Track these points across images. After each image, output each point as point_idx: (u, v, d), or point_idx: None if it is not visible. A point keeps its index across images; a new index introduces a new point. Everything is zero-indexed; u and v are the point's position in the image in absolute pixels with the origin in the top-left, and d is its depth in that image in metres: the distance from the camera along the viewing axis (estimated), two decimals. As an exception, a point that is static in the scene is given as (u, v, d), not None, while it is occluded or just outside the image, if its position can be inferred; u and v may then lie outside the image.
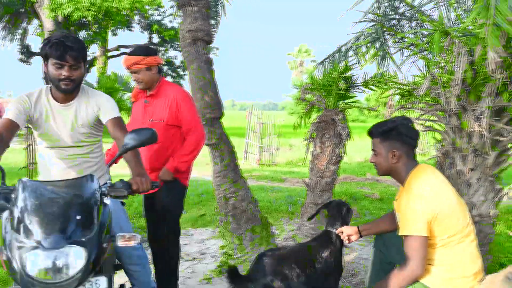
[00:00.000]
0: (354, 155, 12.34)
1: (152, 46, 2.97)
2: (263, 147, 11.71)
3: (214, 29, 4.99)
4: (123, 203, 2.54)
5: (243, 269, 3.69)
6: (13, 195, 1.74)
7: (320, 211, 2.81)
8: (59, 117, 2.30)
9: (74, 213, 1.66)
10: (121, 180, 1.92)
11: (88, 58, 26.07)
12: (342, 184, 7.94)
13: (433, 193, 2.02)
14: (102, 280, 1.73)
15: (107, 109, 2.30)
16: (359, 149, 13.73)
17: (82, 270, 1.59)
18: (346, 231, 2.55)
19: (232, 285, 2.33)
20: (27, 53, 24.51)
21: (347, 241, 2.56)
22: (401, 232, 2.04)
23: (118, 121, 2.29)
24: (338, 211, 2.65)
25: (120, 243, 1.82)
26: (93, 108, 2.31)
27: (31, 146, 9.23)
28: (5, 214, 1.74)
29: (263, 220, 3.91)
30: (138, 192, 1.94)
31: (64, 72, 2.13)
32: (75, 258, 1.58)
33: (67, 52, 2.09)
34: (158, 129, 2.65)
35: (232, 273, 2.32)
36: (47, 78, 2.23)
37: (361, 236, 2.59)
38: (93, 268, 1.65)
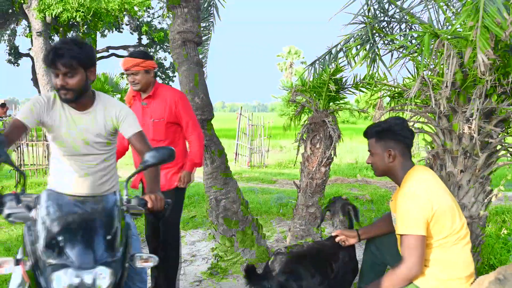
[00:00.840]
0: (344, 156, 12.39)
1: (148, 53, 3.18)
2: (253, 148, 11.70)
3: (207, 31, 4.97)
4: None
5: (233, 272, 3.67)
6: (38, 205, 1.72)
7: (325, 214, 2.81)
8: (73, 124, 2.19)
9: (103, 233, 1.66)
10: (137, 197, 1.90)
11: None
12: (333, 186, 7.96)
13: (430, 192, 2.03)
14: None
15: (129, 123, 2.22)
16: (349, 150, 13.79)
17: None
18: (345, 234, 2.55)
19: (248, 284, 2.33)
20: (15, 54, 24.23)
21: (343, 244, 2.56)
22: (398, 231, 2.03)
23: (142, 136, 2.23)
24: (343, 211, 2.66)
25: (138, 263, 1.78)
26: (112, 118, 2.21)
27: (20, 148, 9.08)
28: (28, 224, 1.73)
29: (254, 222, 3.89)
30: (153, 210, 1.89)
31: (58, 81, 2.01)
32: (103, 279, 1.56)
33: (56, 59, 1.96)
34: (160, 127, 3.01)
35: (249, 271, 2.33)
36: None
37: (359, 240, 2.59)
38: None
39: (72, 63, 1.98)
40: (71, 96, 2.06)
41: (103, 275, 1.56)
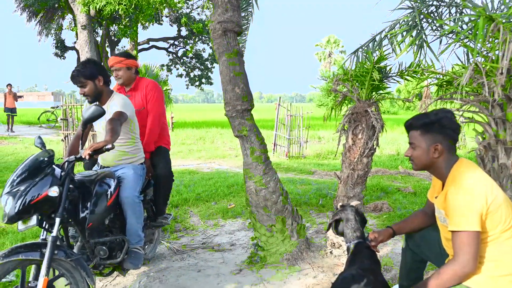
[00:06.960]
0: (385, 147, 12.10)
1: (130, 53, 4.03)
2: (292, 139, 11.63)
3: (245, 21, 4.94)
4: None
5: (272, 261, 3.67)
6: None
7: (333, 222, 2.53)
8: None
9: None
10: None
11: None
12: (373, 177, 7.79)
13: (483, 185, 1.92)
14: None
15: (115, 105, 3.06)
16: (391, 141, 13.45)
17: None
18: (381, 238, 2.44)
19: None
20: (61, 47, 25.19)
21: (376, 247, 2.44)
22: (451, 227, 1.93)
23: (116, 114, 2.97)
24: (356, 221, 2.43)
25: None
26: (114, 107, 3.05)
27: (67, 138, 9.55)
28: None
29: (294, 213, 3.87)
30: (80, 159, 2.59)
31: (79, 91, 3.07)
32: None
33: (72, 79, 3.01)
34: (142, 115, 3.60)
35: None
36: None
37: (394, 235, 2.51)
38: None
39: (80, 78, 2.99)
40: (90, 99, 3.09)
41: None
